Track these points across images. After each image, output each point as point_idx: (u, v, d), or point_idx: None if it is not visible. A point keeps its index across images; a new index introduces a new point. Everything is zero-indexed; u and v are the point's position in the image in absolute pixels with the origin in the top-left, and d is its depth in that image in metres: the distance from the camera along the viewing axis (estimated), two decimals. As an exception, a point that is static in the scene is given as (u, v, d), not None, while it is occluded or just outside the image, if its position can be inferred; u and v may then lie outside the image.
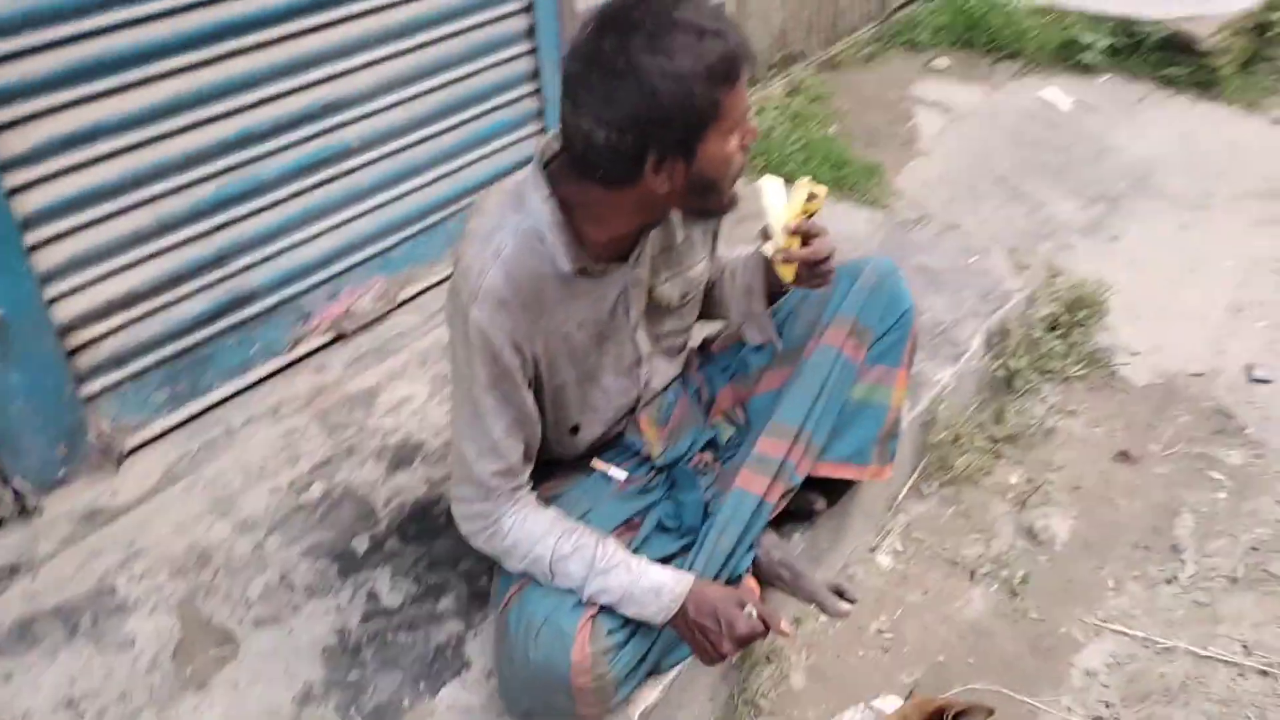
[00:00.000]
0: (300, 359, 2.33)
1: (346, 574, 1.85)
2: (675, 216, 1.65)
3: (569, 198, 1.47)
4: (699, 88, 1.31)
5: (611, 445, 1.79)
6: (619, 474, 1.75)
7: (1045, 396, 2.63)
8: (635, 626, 1.54)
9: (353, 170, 2.31)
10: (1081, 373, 2.71)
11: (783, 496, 1.76)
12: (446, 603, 1.79)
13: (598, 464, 1.77)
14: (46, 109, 1.75)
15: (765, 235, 1.63)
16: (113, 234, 1.91)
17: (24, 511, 1.89)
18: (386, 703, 1.62)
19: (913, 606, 2.09)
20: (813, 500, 1.91)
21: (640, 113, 1.31)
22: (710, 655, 1.52)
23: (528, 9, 2.62)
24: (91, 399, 1.96)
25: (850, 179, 3.35)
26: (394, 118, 2.35)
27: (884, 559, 2.18)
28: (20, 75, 1.71)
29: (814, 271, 1.60)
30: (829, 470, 1.84)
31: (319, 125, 2.19)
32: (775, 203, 1.58)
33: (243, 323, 2.19)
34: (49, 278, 1.83)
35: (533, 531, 1.54)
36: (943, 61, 4.39)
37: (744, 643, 1.51)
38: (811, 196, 1.57)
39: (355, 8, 2.18)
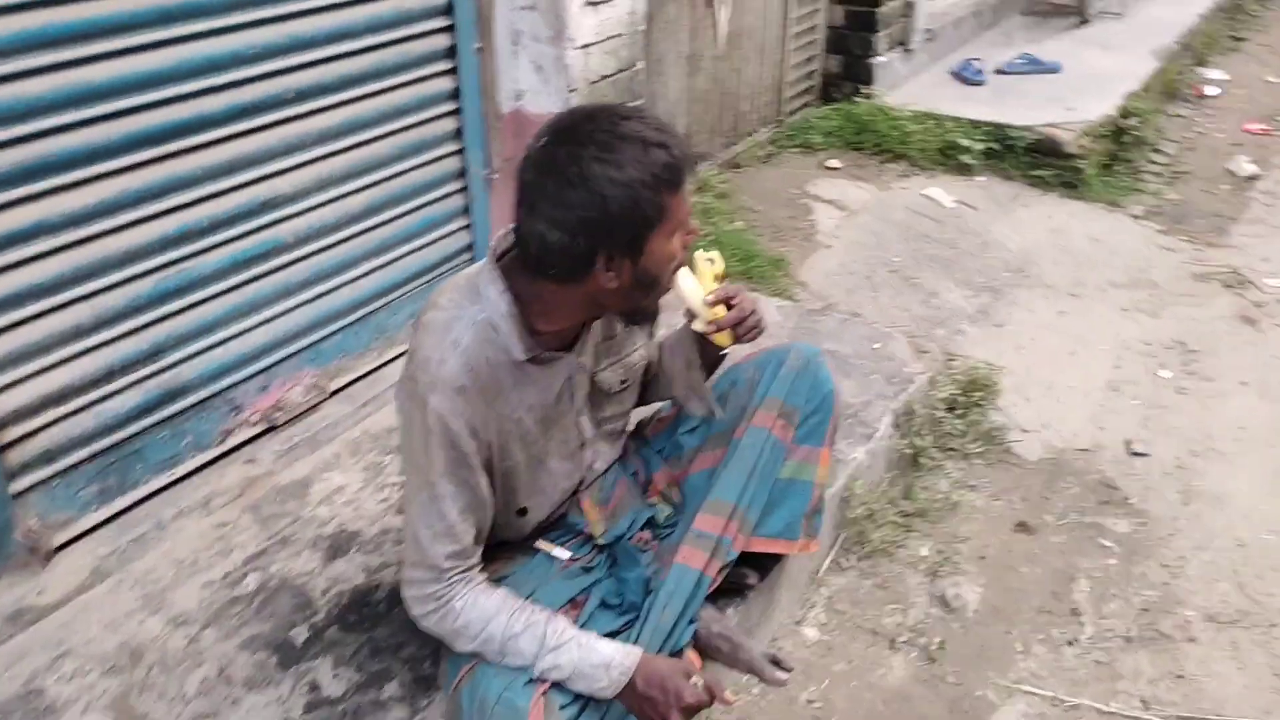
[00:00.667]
0: (230, 451, 2.33)
1: (287, 665, 1.85)
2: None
3: (521, 291, 1.57)
4: (645, 194, 1.44)
5: (555, 526, 1.86)
6: (563, 554, 1.82)
7: (949, 472, 2.80)
8: (585, 701, 1.59)
9: (286, 265, 2.36)
10: (979, 449, 2.89)
11: (719, 571, 1.85)
12: (391, 689, 1.81)
13: (542, 544, 1.83)
14: (-10, 207, 1.77)
15: (690, 315, 1.75)
16: (50, 329, 1.92)
17: (-53, 614, 1.84)
18: (337, 792, 1.62)
19: (839, 676, 2.18)
20: (746, 575, 2.00)
21: (591, 217, 1.43)
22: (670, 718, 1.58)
23: (455, 112, 2.74)
24: (19, 495, 1.94)
25: (759, 270, 3.53)
26: (326, 214, 2.42)
27: (810, 631, 2.28)
28: (-36, 174, 1.73)
29: (746, 326, 1.73)
30: (761, 545, 1.93)
31: (255, 222, 2.24)
32: (688, 285, 1.70)
33: (174, 416, 2.19)
34: (-16, 373, 1.83)
35: (484, 611, 1.59)
36: (835, 162, 4.66)
37: (691, 713, 1.57)
38: (710, 261, 1.71)
39: (292, 110, 2.26)
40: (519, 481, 1.71)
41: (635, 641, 1.69)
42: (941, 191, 4.47)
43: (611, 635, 1.72)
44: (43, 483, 1.98)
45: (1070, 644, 2.29)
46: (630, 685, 1.58)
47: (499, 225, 2.99)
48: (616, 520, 1.87)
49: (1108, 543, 2.60)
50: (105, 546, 2.06)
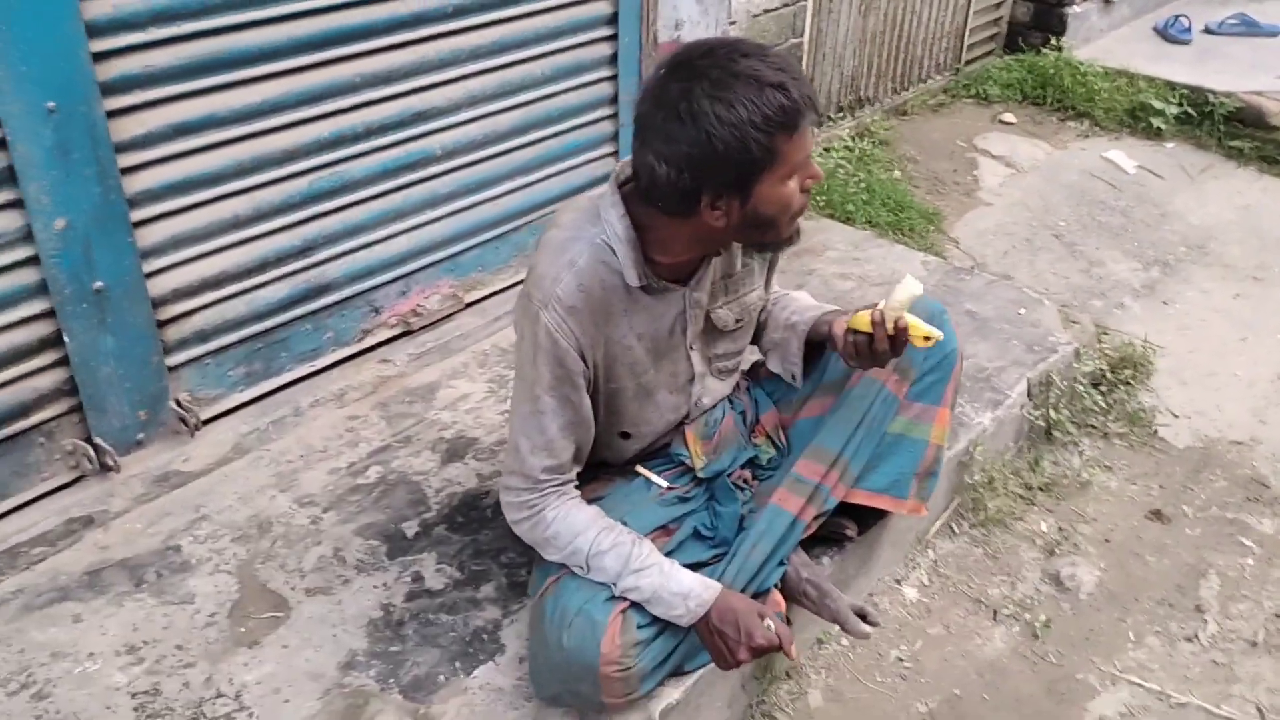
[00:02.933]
0: (368, 350, 2.46)
1: (395, 554, 1.96)
2: (736, 246, 1.75)
3: (639, 220, 1.58)
4: (755, 135, 1.41)
5: (657, 454, 1.88)
6: (661, 481, 1.85)
7: (1084, 450, 2.68)
8: (663, 625, 1.62)
9: (434, 176, 2.44)
10: (1122, 430, 2.75)
11: (815, 519, 1.84)
12: (487, 590, 1.89)
13: (642, 470, 1.86)
14: (163, 98, 1.90)
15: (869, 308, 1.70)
16: (212, 218, 2.05)
17: (103, 468, 2.02)
18: (424, 676, 1.72)
19: (934, 639, 2.14)
20: (844, 526, 1.98)
21: (696, 155, 1.43)
22: (726, 661, 1.60)
23: (612, 38, 2.74)
24: (175, 369, 2.10)
25: (908, 223, 3.43)
26: (475, 130, 2.48)
27: (910, 591, 2.24)
28: (142, 66, 1.86)
29: (870, 353, 1.70)
30: (864, 499, 1.91)
31: (407, 132, 2.32)
32: (899, 296, 1.67)
33: (318, 311, 2.32)
34: (149, 254, 1.98)
35: (574, 525, 1.64)
36: (1010, 116, 4.44)
37: (759, 653, 1.59)
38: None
39: (450, 25, 2.32)
40: (624, 406, 1.74)
41: (721, 576, 1.71)
42: (1123, 155, 4.20)
43: (700, 566, 1.75)
44: (196, 360, 2.14)
45: (1189, 640, 2.18)
46: (706, 617, 1.60)
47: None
48: (719, 456, 1.88)
49: (1248, 541, 2.44)
50: (247, 425, 2.22)
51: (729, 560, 1.74)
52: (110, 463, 2.02)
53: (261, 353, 2.25)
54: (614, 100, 2.84)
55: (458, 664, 1.75)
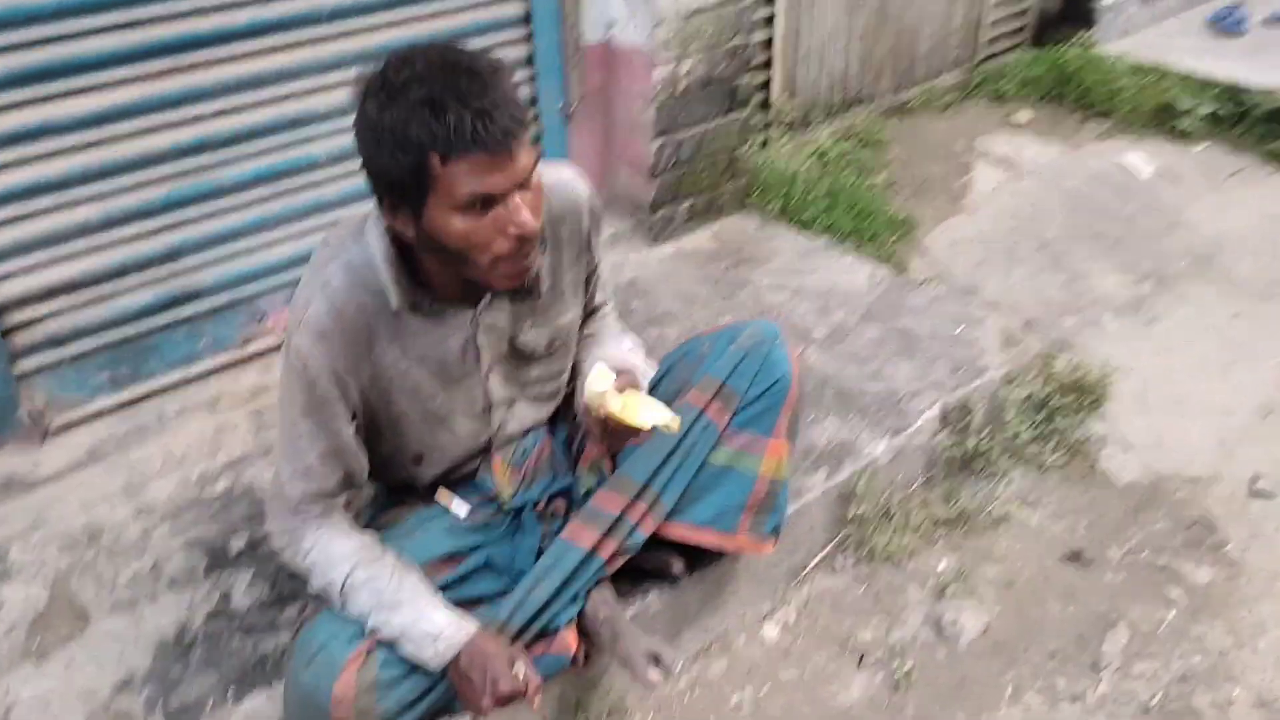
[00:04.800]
0: (251, 358, 2.43)
1: (211, 570, 1.93)
2: (543, 264, 1.65)
3: (404, 237, 1.50)
4: (406, 154, 1.33)
5: (464, 481, 1.80)
6: (461, 509, 1.76)
7: (1012, 482, 2.48)
8: (413, 666, 1.54)
9: (319, 184, 2.39)
10: (1060, 462, 2.54)
11: (620, 555, 1.73)
12: (290, 613, 1.84)
13: (441, 495, 1.78)
14: (-5, 106, 1.90)
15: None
16: (55, 225, 2.05)
17: (-56, 473, 2.04)
18: (192, 702, 1.69)
19: (784, 684, 2.01)
20: (669, 562, 1.87)
21: (364, 157, 1.38)
22: (471, 708, 1.52)
23: (527, 38, 2.66)
24: (25, 376, 2.11)
25: (870, 230, 3.24)
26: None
27: (771, 630, 2.11)
28: (-38, 75, 1.86)
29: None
30: (683, 534, 1.80)
31: (285, 138, 2.29)
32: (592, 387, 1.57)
33: (192, 318, 2.31)
34: (-14, 260, 1.98)
35: (331, 556, 1.57)
36: (1025, 115, 4.19)
37: (504, 701, 1.49)
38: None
39: (328, 30, 2.27)
40: (410, 433, 1.66)
41: (499, 613, 1.62)
42: (1142, 159, 3.92)
43: (486, 600, 1.67)
44: (50, 366, 2.15)
45: (1073, 700, 2.00)
46: (455, 661, 1.52)
47: (581, 159, 2.91)
48: (529, 485, 1.79)
49: (1175, 592, 2.22)
50: (106, 431, 2.22)
51: (511, 596, 1.65)
52: (-47, 467, 2.04)
53: (128, 358, 2.25)
54: (533, 103, 2.75)
55: (230, 691, 1.71)
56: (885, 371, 2.51)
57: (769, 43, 3.51)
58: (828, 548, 2.25)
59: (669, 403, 1.77)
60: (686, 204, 3.09)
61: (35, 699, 1.69)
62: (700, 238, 3.15)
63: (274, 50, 2.22)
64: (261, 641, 1.78)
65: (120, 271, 2.17)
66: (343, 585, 1.55)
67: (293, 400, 1.54)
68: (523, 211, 1.38)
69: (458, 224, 1.38)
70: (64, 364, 2.16)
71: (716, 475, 1.78)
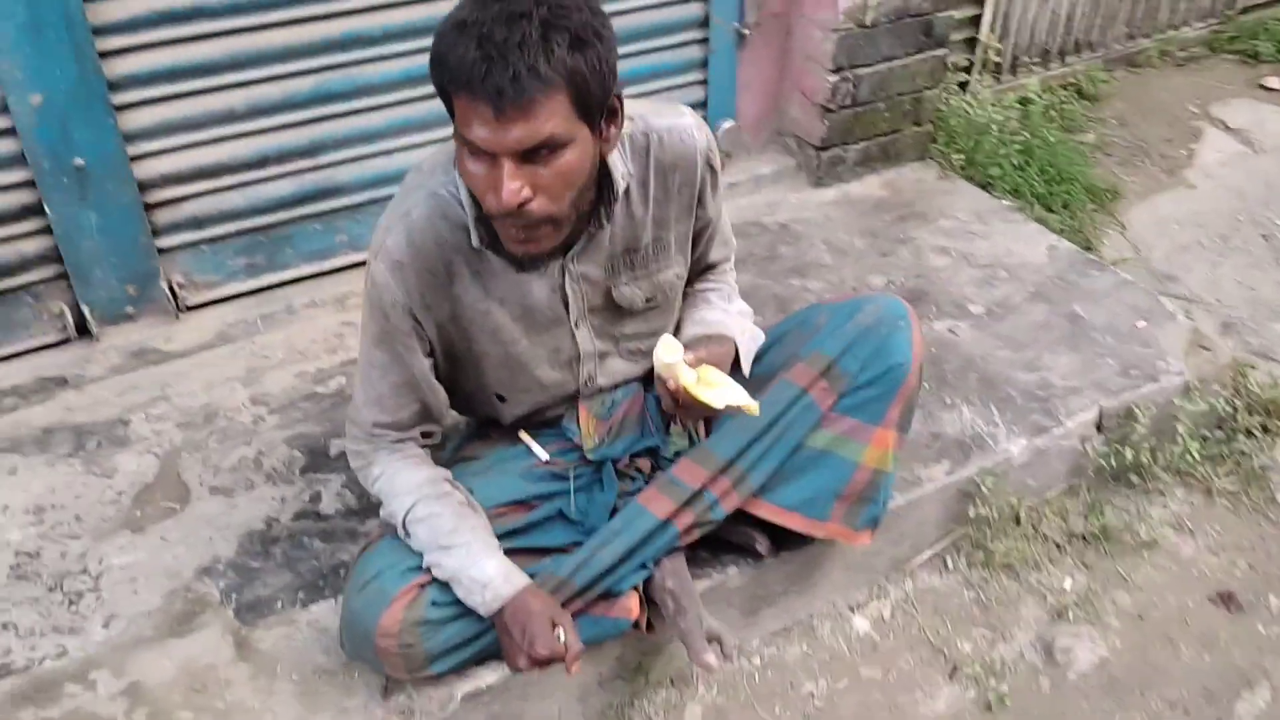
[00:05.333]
0: (384, 258, 2.42)
1: (308, 470, 1.96)
2: (647, 214, 1.54)
3: None
4: (433, 70, 1.25)
5: (549, 425, 1.73)
6: (541, 453, 1.70)
7: (1168, 503, 2.23)
8: (466, 608, 1.51)
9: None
10: (1230, 488, 2.26)
11: (697, 526, 1.64)
12: (371, 524, 1.84)
13: (524, 436, 1.72)
14: (146, -16, 1.91)
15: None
16: (201, 109, 2.07)
17: (85, 334, 2.14)
18: (265, 598, 1.71)
19: (865, 682, 1.88)
20: (754, 539, 1.76)
21: None
22: (511, 663, 1.47)
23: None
24: (167, 251, 2.18)
25: (1063, 196, 2.94)
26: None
27: (861, 622, 1.98)
28: (121, -50, 1.87)
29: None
30: (769, 513, 1.69)
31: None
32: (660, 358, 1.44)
33: (328, 213, 2.31)
34: (133, 137, 2.03)
35: (396, 487, 1.54)
36: (1277, 81, 3.68)
37: (540, 663, 1.44)
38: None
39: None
40: (491, 372, 1.60)
41: (559, 568, 1.56)
42: None
43: (561, 549, 1.62)
44: (190, 246, 2.20)
45: (1187, 761, 1.79)
46: (500, 612, 1.47)
47: (749, 85, 2.74)
48: (614, 439, 1.71)
49: (1339, 659, 1.95)
50: (236, 315, 2.27)
51: (576, 553, 1.59)
52: (93, 330, 2.13)
53: (264, 246, 2.28)
54: (704, 23, 2.60)
55: (301, 594, 1.73)
56: (1042, 361, 2.27)
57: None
58: (939, 545, 2.08)
59: (772, 375, 1.65)
60: (859, 147, 2.87)
61: (124, 569, 1.77)
62: (869, 185, 2.93)
63: (432, -53, 2.14)
64: (339, 549, 1.80)
65: (262, 161, 2.18)
66: (404, 518, 1.52)
67: (367, 328, 1.51)
68: (502, 185, 1.24)
69: (464, 161, 1.29)
70: (203, 245, 2.21)
71: (813, 458, 1.65)
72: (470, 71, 1.19)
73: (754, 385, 1.66)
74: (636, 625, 1.64)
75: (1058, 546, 2.12)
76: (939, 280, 2.53)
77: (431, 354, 1.53)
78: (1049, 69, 3.51)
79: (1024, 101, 3.26)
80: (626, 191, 1.49)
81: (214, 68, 2.05)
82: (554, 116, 1.22)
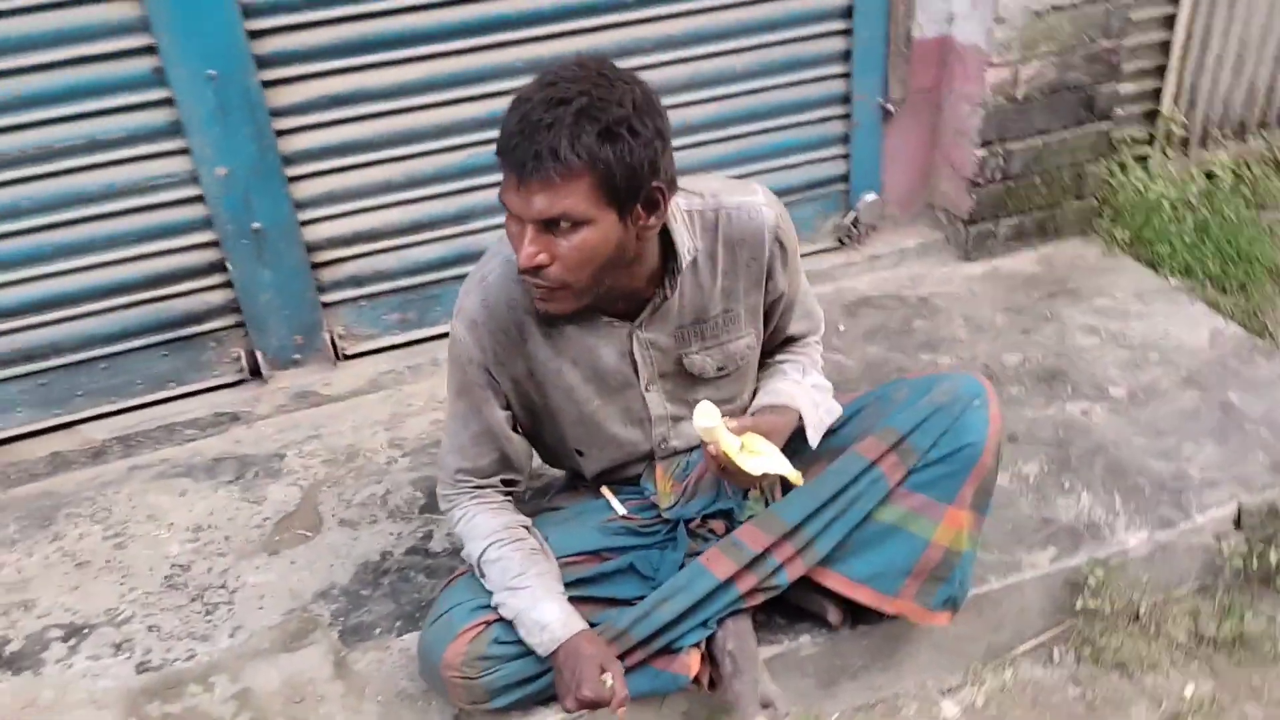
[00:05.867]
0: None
1: (425, 510, 2.12)
2: (716, 287, 1.61)
3: None
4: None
5: (629, 482, 1.81)
6: (619, 507, 1.78)
7: (1324, 615, 2.03)
8: (528, 648, 1.60)
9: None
10: (1404, 604, 2.03)
11: (761, 591, 1.67)
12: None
13: (605, 491, 1.81)
14: (316, 73, 2.19)
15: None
16: (364, 180, 2.32)
17: (257, 376, 2.42)
18: (367, 624, 1.87)
19: (945, 772, 1.83)
20: (825, 608, 1.76)
21: None
22: (561, 701, 1.54)
23: (845, 32, 2.56)
24: (330, 306, 2.43)
25: (1239, 278, 2.75)
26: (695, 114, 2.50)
27: (951, 708, 1.91)
28: (296, 43, 2.15)
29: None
30: (838, 585, 1.69)
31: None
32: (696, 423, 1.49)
33: (476, 275, 2.51)
34: (303, 205, 2.30)
35: (475, 530, 1.66)
36: None
37: (585, 705, 1.50)
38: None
39: (630, 15, 2.35)
40: (568, 427, 1.70)
41: (618, 618, 1.63)
42: None
43: (626, 602, 1.69)
44: (350, 300, 2.45)
45: None
46: (555, 654, 1.55)
47: (897, 159, 2.77)
48: (690, 500, 1.76)
49: None
50: (388, 365, 2.50)
51: (639, 605, 1.65)
52: (264, 373, 2.41)
53: (415, 304, 2.50)
54: (846, 99, 2.64)
55: (399, 623, 1.87)
56: (1181, 450, 2.14)
57: (1164, 45, 3.05)
58: (1044, 635, 1.98)
59: (844, 447, 1.67)
60: (1012, 221, 2.82)
61: (255, 586, 1.98)
62: (1022, 260, 2.85)
63: (577, 33, 2.32)
64: (439, 585, 1.93)
65: (415, 227, 2.41)
66: (479, 559, 1.64)
67: (450, 380, 1.65)
68: (523, 246, 1.37)
69: (507, 220, 1.41)
70: (361, 301, 2.46)
71: (882, 533, 1.65)
72: (508, 141, 1.32)
73: (827, 457, 1.69)
74: (697, 682, 1.67)
75: (1182, 649, 1.98)
76: (1081, 360, 2.43)
77: (509, 407, 1.65)
78: (1245, 142, 3.30)
79: (1210, 176, 3.09)
80: (695, 264, 1.57)
81: (375, 144, 2.29)
82: (571, 196, 1.33)
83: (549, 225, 1.36)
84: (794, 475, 1.50)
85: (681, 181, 1.56)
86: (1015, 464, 2.13)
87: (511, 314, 1.57)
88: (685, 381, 1.68)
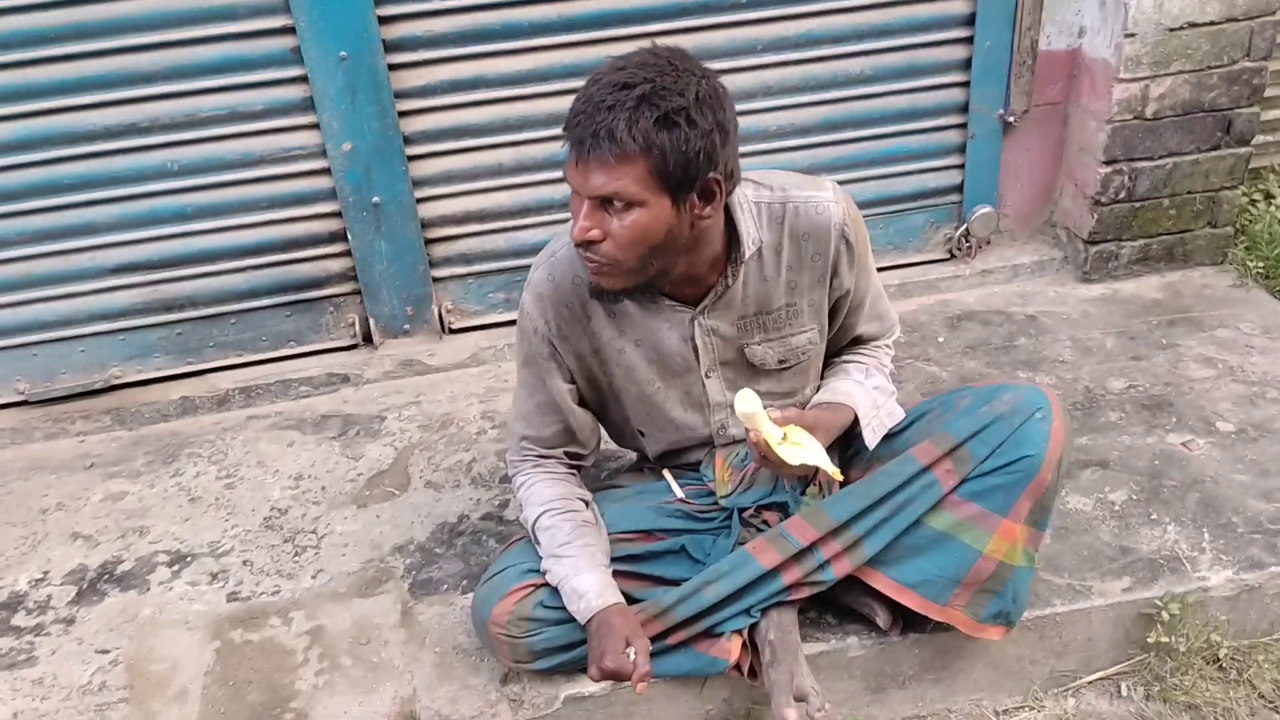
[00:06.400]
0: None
1: (505, 481, 2.21)
2: (780, 279, 1.64)
3: None
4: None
5: (691, 467, 1.85)
6: (677, 490, 1.83)
7: None
8: (570, 615, 1.66)
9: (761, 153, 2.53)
10: None
11: (806, 585, 1.68)
12: (537, 534, 2.05)
13: (667, 474, 1.86)
14: (439, 58, 2.31)
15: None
16: (476, 163, 2.44)
17: (368, 342, 2.57)
18: (435, 580, 1.97)
19: (989, 792, 1.79)
20: (874, 610, 1.76)
21: None
22: (589, 670, 1.59)
23: (967, 40, 2.53)
24: (440, 280, 2.56)
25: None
26: (771, 120, 2.53)
27: (1007, 731, 1.88)
28: (423, 30, 2.28)
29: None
30: (886, 587, 1.69)
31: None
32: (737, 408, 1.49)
33: (580, 260, 2.59)
34: (420, 183, 2.43)
35: (532, 497, 1.73)
36: None
37: (607, 675, 1.54)
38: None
39: (743, 15, 2.39)
40: (630, 406, 1.75)
41: (663, 596, 1.67)
42: None
43: (673, 583, 1.73)
44: (459, 278, 2.57)
45: None
46: (589, 623, 1.61)
47: (1018, 173, 2.72)
48: (747, 489, 1.79)
49: None
50: (491, 341, 2.61)
51: (684, 586, 1.69)
52: (376, 340, 2.56)
53: (519, 284, 2.51)
54: (964, 109, 2.61)
55: (465, 582, 1.96)
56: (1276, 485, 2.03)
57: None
58: (1113, 668, 1.91)
59: (902, 451, 1.66)
60: (1136, 244, 2.71)
61: (340, 535, 2.11)
62: (1146, 285, 2.75)
63: (690, 30, 2.38)
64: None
65: (524, 210, 2.51)
66: (534, 525, 1.71)
67: (518, 349, 1.73)
68: (578, 218, 1.42)
69: (573, 194, 1.45)
70: (469, 278, 2.58)
71: (934, 539, 1.64)
72: (572, 119, 1.39)
73: (885, 460, 1.69)
74: (739, 669, 1.70)
75: (1265, 700, 1.87)
76: (1190, 391, 2.33)
77: (573, 381, 1.71)
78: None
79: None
80: (760, 255, 1.60)
81: (489, 129, 2.40)
82: (624, 178, 1.38)
83: (604, 203, 1.41)
84: (833, 471, 1.51)
85: (753, 174, 1.60)
86: (1103, 490, 2.07)
87: (576, 291, 1.63)
88: (747, 371, 1.71)
